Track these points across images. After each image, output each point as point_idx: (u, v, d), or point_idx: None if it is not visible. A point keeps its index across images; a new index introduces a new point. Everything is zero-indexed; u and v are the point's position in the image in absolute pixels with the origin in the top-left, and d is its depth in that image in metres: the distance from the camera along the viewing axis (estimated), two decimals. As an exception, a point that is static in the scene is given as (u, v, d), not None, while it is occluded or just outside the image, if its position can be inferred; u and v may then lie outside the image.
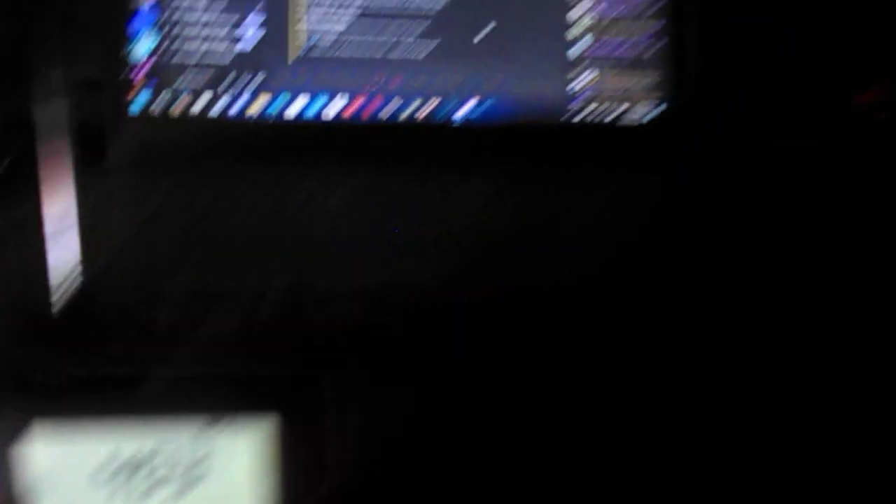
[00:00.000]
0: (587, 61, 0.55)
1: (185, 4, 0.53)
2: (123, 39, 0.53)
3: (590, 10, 0.55)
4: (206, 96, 0.54)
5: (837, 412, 0.28)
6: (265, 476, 0.24)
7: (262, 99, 0.54)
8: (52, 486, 0.24)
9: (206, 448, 0.24)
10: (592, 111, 0.55)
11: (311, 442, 0.25)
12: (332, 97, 0.54)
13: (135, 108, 0.54)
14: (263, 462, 0.24)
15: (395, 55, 0.54)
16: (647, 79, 0.56)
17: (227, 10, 0.54)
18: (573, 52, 0.55)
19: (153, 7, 0.53)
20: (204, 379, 0.25)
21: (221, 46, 0.54)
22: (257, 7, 0.54)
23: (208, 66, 0.54)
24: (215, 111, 0.54)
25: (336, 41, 0.54)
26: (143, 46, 0.53)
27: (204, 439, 0.24)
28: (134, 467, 0.24)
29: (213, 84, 0.54)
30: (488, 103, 0.55)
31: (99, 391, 0.25)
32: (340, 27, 0.54)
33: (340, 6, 0.54)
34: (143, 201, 0.45)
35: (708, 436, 0.27)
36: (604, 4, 0.55)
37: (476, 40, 0.55)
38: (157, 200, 0.46)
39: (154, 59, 0.53)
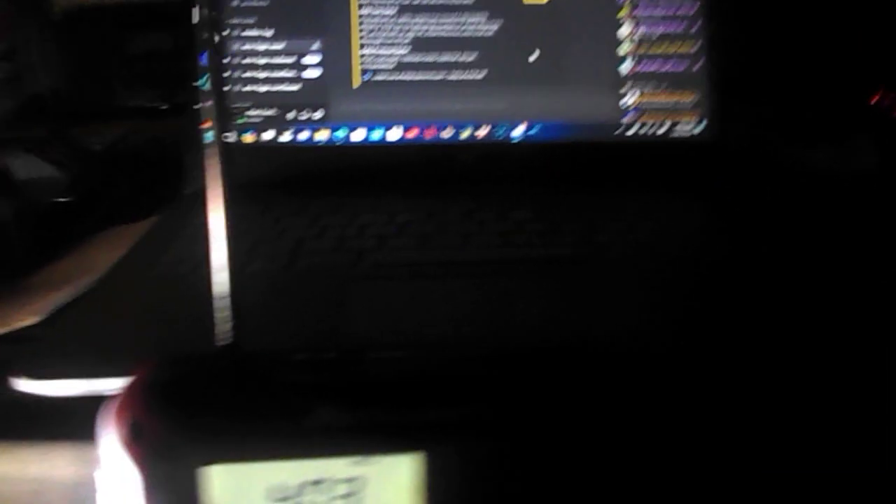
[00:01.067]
0: (636, 78, 0.58)
1: (251, 35, 0.56)
2: (196, 70, 0.55)
3: (637, 28, 0.57)
4: (276, 125, 0.56)
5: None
6: None
7: (328, 126, 0.56)
8: None
9: (356, 486, 0.27)
10: (641, 127, 0.58)
11: (459, 480, 0.28)
12: (394, 122, 0.57)
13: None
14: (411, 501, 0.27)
15: (452, 78, 0.57)
16: (692, 95, 0.58)
17: (291, 40, 0.56)
18: (623, 69, 0.58)
19: (221, 41, 0.55)
20: (355, 421, 0.28)
21: (289, 73, 0.56)
22: (320, 37, 0.56)
23: (276, 94, 0.56)
24: (285, 139, 0.56)
25: (396, 67, 0.57)
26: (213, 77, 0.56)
27: (355, 477, 0.27)
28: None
29: (281, 112, 0.56)
30: (543, 122, 0.57)
31: (261, 431, 0.27)
32: (400, 52, 0.56)
33: (399, 32, 0.56)
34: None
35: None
36: (650, 23, 0.58)
37: (530, 60, 0.57)
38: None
39: (224, 89, 0.56)
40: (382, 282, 0.42)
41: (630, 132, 0.58)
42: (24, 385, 0.35)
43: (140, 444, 0.27)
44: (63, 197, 0.63)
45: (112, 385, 0.34)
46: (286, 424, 0.28)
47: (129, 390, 0.28)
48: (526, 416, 0.29)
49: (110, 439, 0.28)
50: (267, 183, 0.54)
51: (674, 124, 0.58)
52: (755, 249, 0.47)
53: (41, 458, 0.35)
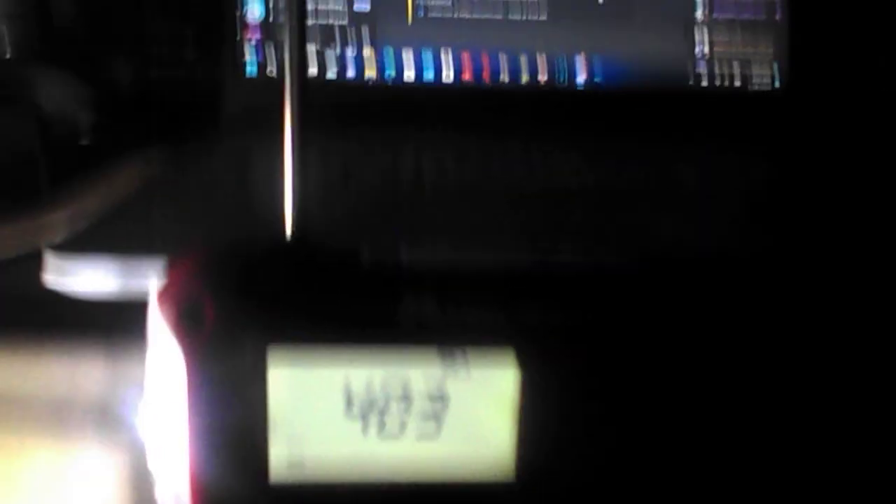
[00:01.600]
0: (710, 23, 0.54)
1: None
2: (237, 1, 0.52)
3: (712, -28, 0.54)
4: (324, 57, 0.52)
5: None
6: (505, 417, 0.23)
7: (378, 63, 0.53)
8: (289, 415, 0.22)
9: (444, 386, 0.23)
10: (715, 75, 0.54)
11: (549, 387, 0.23)
12: (450, 59, 0.53)
13: (250, 70, 0.52)
14: (503, 403, 0.23)
15: (515, 16, 0.53)
16: (770, 46, 0.54)
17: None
18: (698, 14, 0.54)
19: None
20: (445, 316, 0.23)
21: (338, 6, 0.52)
22: (375, -34, 0.52)
23: (325, 26, 0.52)
24: (332, 73, 0.53)
25: (452, 3, 0.53)
26: (257, 7, 0.52)
27: (443, 376, 0.23)
28: (371, 401, 0.23)
29: (329, 45, 0.52)
30: (609, 68, 0.53)
31: (338, 320, 0.23)
32: (459, -13, 0.53)
33: (459, -34, 0.53)
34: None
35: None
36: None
37: (599, 1, 0.53)
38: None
39: (269, 19, 0.52)
40: (444, 205, 0.38)
41: (702, 82, 0.54)
42: (55, 278, 0.31)
43: (197, 329, 0.23)
44: (90, 132, 0.59)
45: (152, 283, 0.30)
46: (370, 315, 0.24)
47: (187, 270, 0.24)
48: (621, 324, 0.25)
49: (161, 325, 0.23)
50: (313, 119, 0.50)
51: (749, 76, 0.54)
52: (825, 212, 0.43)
53: (68, 360, 0.31)
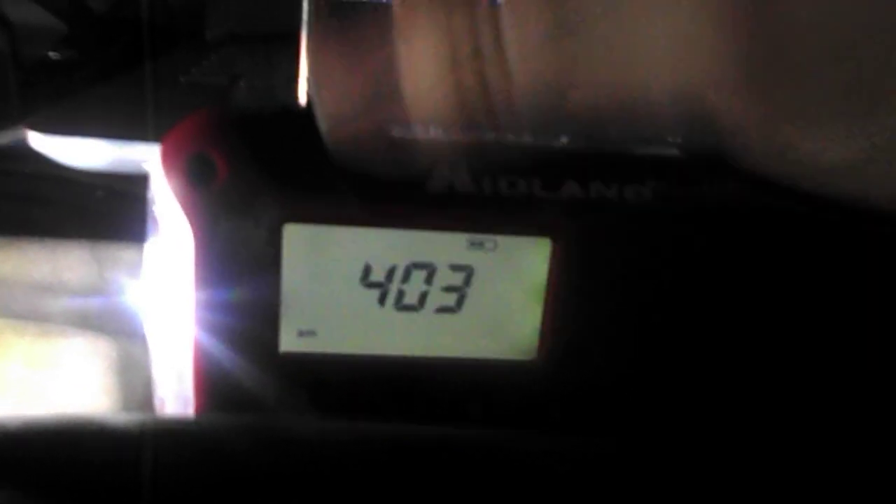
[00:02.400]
0: None
1: None
2: None
3: None
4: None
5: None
6: (532, 295, 0.22)
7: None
8: (303, 283, 0.21)
9: (469, 257, 0.22)
10: None
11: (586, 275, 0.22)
12: None
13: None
14: (532, 280, 0.22)
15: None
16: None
17: None
18: None
19: None
20: (471, 195, 0.22)
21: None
22: None
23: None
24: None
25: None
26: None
27: (470, 248, 0.22)
28: (390, 270, 0.22)
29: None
30: None
31: (361, 191, 0.22)
32: None
33: None
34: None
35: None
36: None
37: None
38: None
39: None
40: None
41: None
42: (38, 140, 0.29)
43: (206, 186, 0.22)
44: (60, 49, 0.57)
45: (149, 153, 0.29)
46: (396, 186, 0.22)
47: (197, 119, 0.22)
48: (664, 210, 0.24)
49: (165, 184, 0.22)
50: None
51: None
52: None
53: (49, 257, 0.29)
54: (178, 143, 0.21)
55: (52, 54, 0.57)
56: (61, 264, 0.29)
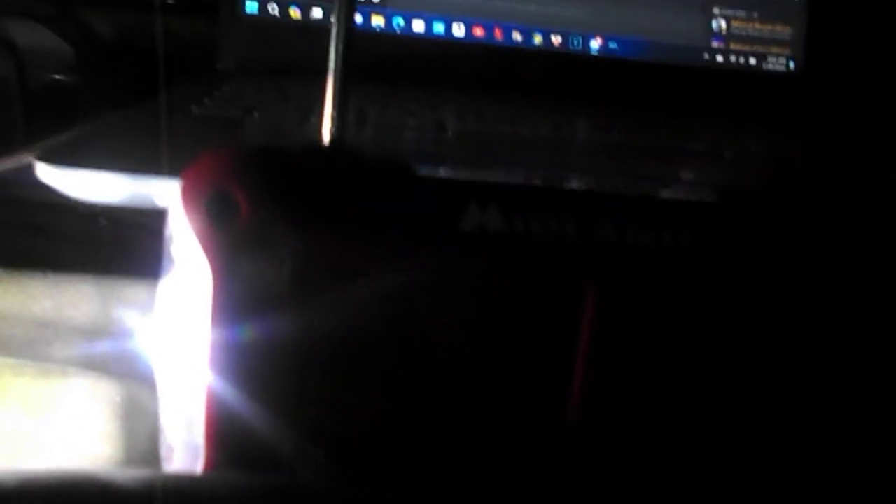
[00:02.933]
0: (727, 2, 0.52)
1: None
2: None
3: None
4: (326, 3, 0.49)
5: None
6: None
7: (386, 12, 0.50)
8: None
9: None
10: (730, 55, 0.52)
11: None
12: (459, 16, 0.50)
13: (250, 9, 0.49)
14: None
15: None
16: (787, 27, 0.53)
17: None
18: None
19: None
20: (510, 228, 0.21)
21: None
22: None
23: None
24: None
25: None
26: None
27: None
28: None
29: None
30: (624, 38, 0.52)
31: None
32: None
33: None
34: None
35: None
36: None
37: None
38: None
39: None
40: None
41: (717, 59, 0.52)
42: (46, 171, 0.28)
43: (227, 224, 0.20)
44: (67, 73, 0.56)
45: (162, 188, 0.27)
46: (426, 226, 0.21)
47: (218, 155, 0.21)
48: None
49: (183, 221, 0.20)
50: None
51: (765, 56, 0.53)
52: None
53: (51, 292, 0.27)
54: (198, 179, 0.20)
55: (58, 77, 0.56)
56: (64, 300, 0.28)
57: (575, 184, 0.22)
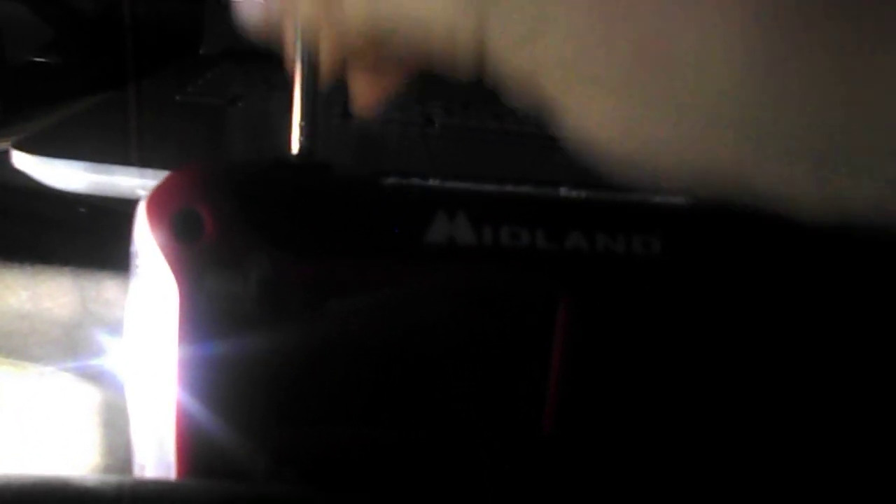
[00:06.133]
0: None
1: None
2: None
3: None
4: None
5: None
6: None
7: None
8: None
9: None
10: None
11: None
12: None
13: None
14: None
15: None
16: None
17: None
18: None
19: None
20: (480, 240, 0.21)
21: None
22: None
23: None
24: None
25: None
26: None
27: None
28: None
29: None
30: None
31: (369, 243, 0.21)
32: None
33: None
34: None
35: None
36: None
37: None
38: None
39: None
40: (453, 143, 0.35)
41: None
42: (24, 161, 0.28)
43: (193, 242, 0.20)
44: (47, 55, 0.55)
45: (141, 181, 0.27)
46: (394, 238, 0.21)
47: (184, 174, 0.21)
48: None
49: (150, 239, 0.20)
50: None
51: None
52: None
53: (29, 285, 0.27)
54: (164, 198, 0.20)
55: (37, 59, 0.55)
56: (42, 291, 0.28)
57: (544, 191, 0.22)
